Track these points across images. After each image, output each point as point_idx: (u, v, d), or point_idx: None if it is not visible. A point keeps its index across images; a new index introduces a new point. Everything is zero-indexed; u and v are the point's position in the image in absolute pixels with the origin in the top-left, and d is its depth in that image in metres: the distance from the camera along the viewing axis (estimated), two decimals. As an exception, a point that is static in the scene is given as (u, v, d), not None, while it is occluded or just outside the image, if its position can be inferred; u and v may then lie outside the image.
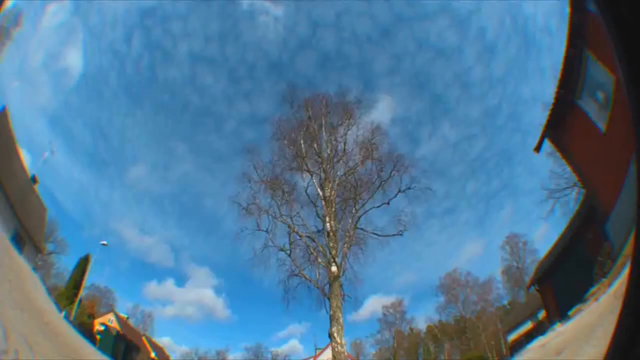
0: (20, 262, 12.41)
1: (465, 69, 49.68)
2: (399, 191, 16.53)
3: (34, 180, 21.47)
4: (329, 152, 17.67)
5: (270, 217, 16.60)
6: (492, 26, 49.83)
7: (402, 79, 52.91)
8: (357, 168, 17.33)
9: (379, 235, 16.38)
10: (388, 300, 48.46)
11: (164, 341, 42.66)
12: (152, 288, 50.51)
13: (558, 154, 14.08)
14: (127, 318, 40.40)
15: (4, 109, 18.65)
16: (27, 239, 18.77)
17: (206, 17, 50.56)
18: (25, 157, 19.76)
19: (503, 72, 49.37)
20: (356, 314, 42.88)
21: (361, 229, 16.36)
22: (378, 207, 16.68)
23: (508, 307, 39.68)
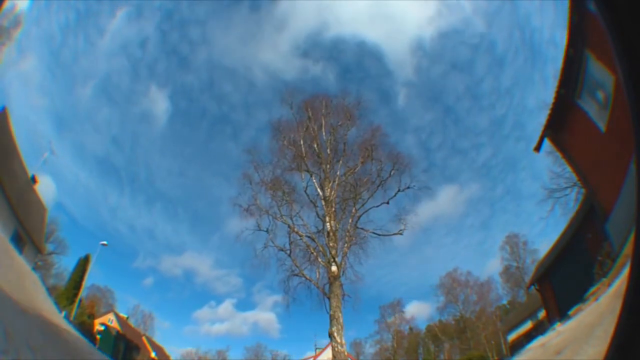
0: (20, 262, 12.41)
1: (476, 80, 51.15)
2: (399, 190, 16.53)
3: (33, 180, 21.46)
4: (328, 152, 17.66)
5: (270, 217, 16.59)
6: (502, 39, 51.01)
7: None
8: (357, 168, 17.33)
9: (379, 235, 16.37)
10: (426, 305, 53.31)
11: (188, 350, 50.09)
12: (205, 312, 67.23)
13: (558, 153, 14.07)
14: (127, 318, 40.43)
15: (3, 109, 18.64)
16: (27, 239, 18.77)
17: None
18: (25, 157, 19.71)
19: (510, 83, 50.82)
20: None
21: (361, 228, 16.36)
22: (378, 206, 16.69)
23: (508, 306, 39.68)
